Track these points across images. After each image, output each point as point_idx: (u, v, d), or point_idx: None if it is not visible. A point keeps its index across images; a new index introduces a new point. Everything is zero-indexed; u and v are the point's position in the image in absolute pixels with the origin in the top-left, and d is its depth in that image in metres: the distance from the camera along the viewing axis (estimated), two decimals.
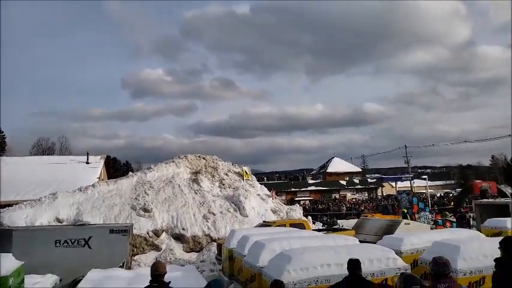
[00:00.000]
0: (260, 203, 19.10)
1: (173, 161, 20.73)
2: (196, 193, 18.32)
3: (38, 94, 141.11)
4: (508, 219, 12.72)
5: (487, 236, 9.76)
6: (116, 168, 56.53)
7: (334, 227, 19.01)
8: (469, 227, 17.74)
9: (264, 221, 15.17)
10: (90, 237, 11.26)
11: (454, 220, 21.42)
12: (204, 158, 21.76)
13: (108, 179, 25.55)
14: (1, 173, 22.14)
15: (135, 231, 14.60)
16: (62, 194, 16.53)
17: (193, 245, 15.79)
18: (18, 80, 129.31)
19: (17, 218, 14.42)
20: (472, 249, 6.50)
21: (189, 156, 21.47)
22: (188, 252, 15.62)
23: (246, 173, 21.73)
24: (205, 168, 20.91)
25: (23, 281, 6.93)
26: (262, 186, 22.70)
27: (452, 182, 68.55)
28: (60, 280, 9.23)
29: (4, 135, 49.26)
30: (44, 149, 51.79)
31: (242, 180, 21.08)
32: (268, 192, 21.37)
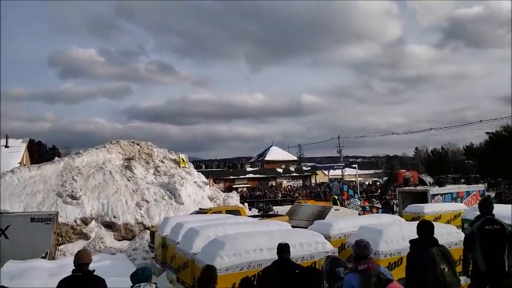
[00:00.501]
0: (197, 190, 18.95)
1: (104, 147, 19.72)
2: (129, 180, 17.69)
3: None
4: (426, 205, 13.97)
5: (407, 220, 10.58)
6: (41, 153, 52.31)
7: (270, 213, 19.48)
8: (393, 212, 19.10)
9: (200, 209, 15.09)
10: (7, 227, 10.43)
11: (380, 206, 22.92)
12: (138, 144, 20.96)
13: (31, 164, 23.65)
14: None
15: (61, 220, 13.85)
16: None
17: (125, 233, 15.31)
18: None
19: None
20: (393, 233, 6.97)
21: (122, 142, 20.54)
22: (120, 240, 15.10)
23: (183, 160, 21.38)
24: (139, 154, 20.19)
25: None
26: (200, 173, 22.52)
27: (380, 171, 73.36)
28: None
29: None
30: None
31: (178, 168, 20.71)
32: (205, 180, 21.28)
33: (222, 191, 25.39)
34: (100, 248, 13.94)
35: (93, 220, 15.15)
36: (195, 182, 19.78)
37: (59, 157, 22.29)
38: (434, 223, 8.69)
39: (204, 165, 53.33)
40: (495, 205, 6.04)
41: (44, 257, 9.94)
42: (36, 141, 49.30)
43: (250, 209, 22.44)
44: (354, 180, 41.64)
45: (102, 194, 16.23)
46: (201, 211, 13.88)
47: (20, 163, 23.75)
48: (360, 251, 3.76)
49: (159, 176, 19.16)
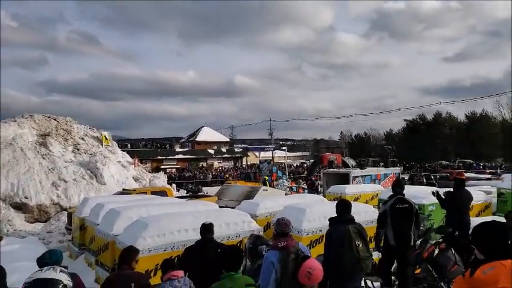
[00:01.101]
0: (120, 170, 18.14)
1: (15, 121, 17.80)
2: (44, 158, 16.29)
3: None
4: (347, 186, 14.86)
5: (330, 200, 11.15)
6: None
7: (198, 194, 19.34)
8: (317, 192, 20.06)
9: (123, 189, 14.46)
10: None
11: (306, 187, 23.93)
12: (55, 119, 19.30)
13: None
14: None
15: None
16: None
17: (39, 214, 14.24)
18: None
19: None
20: (315, 212, 7.28)
21: (36, 116, 18.76)
22: (32, 222, 14.03)
23: (106, 139, 20.30)
24: (57, 130, 18.64)
25: None
26: (125, 153, 21.64)
27: (308, 153, 76.30)
28: None
29: None
30: None
31: (101, 146, 19.65)
32: (130, 160, 20.49)
33: (149, 171, 24.59)
34: (8, 231, 12.84)
35: (1, 201, 13.81)
36: (119, 162, 18.92)
37: None
38: (354, 203, 9.34)
39: (129, 145, 51.09)
40: (408, 186, 6.58)
41: None
42: None
43: (178, 190, 22.09)
44: (283, 162, 42.98)
45: (12, 173, 14.76)
46: (125, 192, 13.32)
47: None
48: (280, 229, 3.82)
49: (79, 154, 18.03)
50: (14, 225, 13.32)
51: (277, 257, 3.64)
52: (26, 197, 14.22)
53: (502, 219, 6.12)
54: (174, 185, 22.58)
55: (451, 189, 7.49)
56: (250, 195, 14.14)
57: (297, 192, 21.58)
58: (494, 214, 10.16)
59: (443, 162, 46.43)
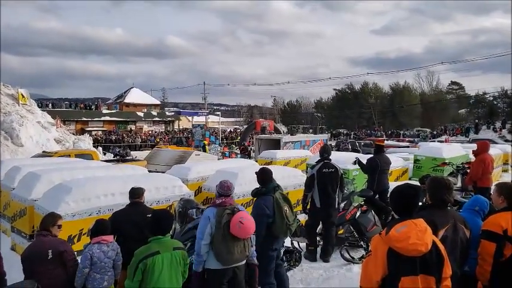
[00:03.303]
0: (40, 131, 16.84)
1: None
2: None
3: None
4: (278, 151, 15.28)
5: (261, 165, 11.40)
6: None
7: (126, 158, 18.63)
8: (249, 157, 20.42)
9: (43, 151, 13.45)
10: None
11: (239, 152, 24.22)
12: None
13: None
14: None
15: None
16: None
17: None
18: None
19: None
20: (247, 176, 7.37)
21: None
22: None
23: (23, 97, 18.56)
24: None
25: None
26: (45, 113, 20.08)
27: (241, 119, 76.92)
28: None
29: None
30: None
31: (17, 105, 17.96)
32: (51, 120, 19.06)
33: (72, 133, 23.12)
34: None
35: None
36: (39, 122, 17.52)
37: None
38: (283, 167, 9.59)
39: (51, 104, 47.03)
40: (334, 152, 6.92)
41: None
42: None
43: (104, 154, 21.12)
44: (216, 127, 42.86)
45: None
46: (45, 154, 12.39)
47: None
48: (222, 191, 3.89)
49: None
50: None
51: (213, 212, 3.75)
52: None
53: (417, 183, 6.79)
54: (100, 148, 21.52)
55: (372, 155, 8.07)
56: (181, 159, 13.92)
57: (230, 157, 21.75)
58: (410, 179, 11.09)
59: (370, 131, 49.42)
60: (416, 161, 12.08)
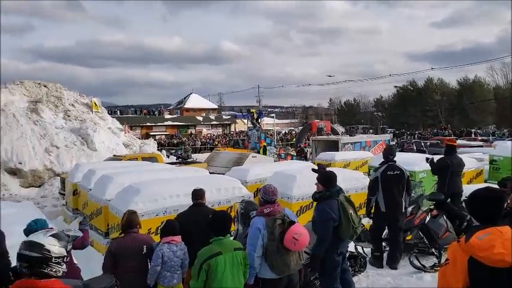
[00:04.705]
0: (111, 136, 18.02)
1: (6, 87, 17.67)
2: (36, 124, 16.21)
3: None
4: (336, 153, 14.94)
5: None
6: None
7: (188, 160, 19.34)
8: (306, 159, 20.18)
9: (114, 155, 14.38)
10: None
11: (294, 154, 24.04)
12: (45, 86, 19.14)
13: None
14: None
15: None
16: None
17: (33, 179, 14.36)
18: None
19: None
20: (305, 178, 7.30)
21: (27, 83, 18.64)
22: (27, 187, 14.19)
23: (96, 105, 19.99)
24: (47, 97, 18.50)
25: None
26: (114, 119, 21.42)
27: (296, 120, 76.23)
28: None
29: None
30: None
31: (91, 113, 19.41)
32: (120, 126, 20.30)
33: (138, 138, 24.44)
34: (4, 195, 12.97)
35: None
36: (109, 128, 18.77)
37: None
38: (343, 170, 9.32)
39: (119, 111, 50.33)
40: (398, 153, 6.58)
41: None
42: None
43: (168, 157, 22.07)
44: (271, 129, 43.04)
45: (5, 139, 14.81)
46: (115, 158, 13.24)
47: None
48: (267, 197, 3.76)
49: (70, 120, 17.86)
50: (10, 190, 13.50)
51: (263, 223, 3.62)
52: (20, 163, 14.30)
53: (495, 186, 6.21)
54: (163, 151, 22.53)
55: (443, 156, 7.53)
56: (239, 161, 14.15)
57: (285, 159, 21.68)
58: (486, 181, 10.15)
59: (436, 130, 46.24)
60: (492, 161, 10.99)
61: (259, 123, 22.32)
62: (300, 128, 39.18)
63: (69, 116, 18.03)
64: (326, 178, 4.42)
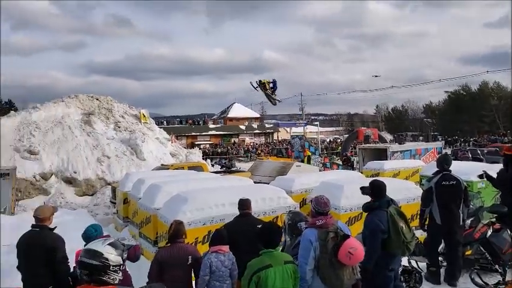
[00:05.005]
0: (158, 146, 18.64)
1: (62, 101, 19.00)
2: (89, 135, 17.16)
3: None
4: (385, 161, 14.40)
5: (367, 176, 10.83)
6: None
7: (232, 169, 19.54)
8: (353, 169, 19.65)
9: (161, 165, 14.83)
10: None
11: (340, 163, 23.52)
12: (97, 99, 20.24)
13: None
14: None
15: (19, 175, 13.37)
16: None
17: (86, 188, 15.10)
18: None
19: None
20: (353, 189, 7.03)
21: (81, 96, 19.79)
22: (81, 196, 14.91)
23: (144, 116, 20.84)
24: (99, 109, 19.51)
25: None
26: (161, 130, 22.16)
27: (341, 128, 74.78)
28: None
29: None
30: None
31: (140, 124, 20.23)
32: (167, 136, 20.94)
33: (184, 147, 25.12)
34: (61, 203, 13.68)
35: (53, 175, 14.83)
36: (157, 138, 19.42)
37: (16, 111, 21.13)
38: (393, 179, 8.92)
39: (165, 122, 52.09)
40: (453, 162, 6.17)
41: (3, 212, 9.63)
42: None
43: (212, 166, 22.42)
44: (315, 138, 42.56)
45: (62, 149, 15.79)
46: (163, 167, 13.64)
47: None
48: (319, 208, 3.66)
49: (120, 131, 18.63)
50: (66, 198, 14.27)
51: (315, 235, 3.53)
52: (74, 172, 15.16)
53: None
54: (208, 160, 22.94)
55: (502, 168, 6.93)
56: (283, 171, 14.03)
57: (331, 168, 21.27)
58: None
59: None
60: None
61: (275, 94, 18.29)
62: (346, 136, 38.40)
63: (119, 127, 18.85)
64: (374, 188, 4.31)
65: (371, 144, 21.95)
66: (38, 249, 3.85)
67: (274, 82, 17.79)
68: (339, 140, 47.38)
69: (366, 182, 7.51)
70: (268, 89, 17.70)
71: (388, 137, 27.61)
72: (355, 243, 3.46)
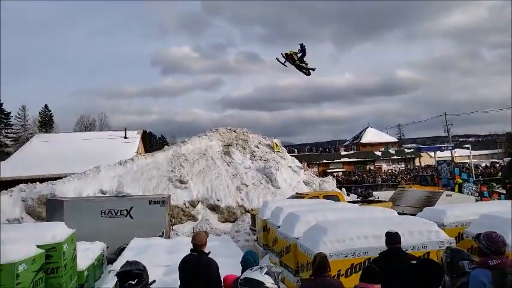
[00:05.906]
0: (292, 174, 19.03)
1: (205, 134, 21.14)
2: (228, 165, 18.57)
3: (72, 75, 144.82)
4: None
5: None
6: (151, 142, 58.08)
7: (370, 198, 18.61)
8: None
9: (296, 193, 15.06)
10: (131, 208, 11.63)
11: (503, 192, 20.23)
12: (234, 131, 22.00)
13: (145, 152, 26.17)
14: (51, 149, 23.57)
15: (172, 202, 14.93)
16: (104, 167, 17.22)
17: (228, 215, 16.17)
18: (53, 62, 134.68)
19: (66, 190, 15.27)
20: None
21: (220, 130, 21.80)
22: (223, 222, 16.06)
23: (277, 145, 21.67)
24: (236, 140, 21.09)
25: (75, 247, 7.24)
26: (293, 158, 22.66)
27: (499, 150, 64.93)
28: (107, 247, 9.56)
29: (52, 113, 54.56)
30: (85, 125, 54.19)
31: (273, 153, 21.10)
32: (299, 164, 21.25)
33: (316, 175, 25.09)
34: (206, 229, 14.81)
35: (199, 203, 16.34)
36: (290, 167, 19.88)
37: (168, 145, 24.36)
38: None
39: (296, 150, 53.23)
40: None
41: (161, 236, 10.84)
42: (147, 132, 54.54)
43: (348, 195, 21.78)
44: (466, 162, 37.74)
45: (206, 179, 17.39)
46: (298, 196, 13.82)
47: (136, 152, 26.34)
48: (494, 247, 3.15)
49: (255, 160, 19.72)
50: (211, 224, 15.57)
51: (489, 277, 3.06)
52: (217, 200, 16.52)
53: None
54: (343, 189, 22.38)
55: None
56: (430, 200, 12.88)
57: (490, 198, 18.43)
58: None
59: None
60: None
61: (305, 63, 15.54)
62: (507, 159, 33.01)
63: (254, 157, 20.00)
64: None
65: None
66: (199, 273, 4.29)
67: (302, 47, 15.45)
68: (498, 165, 40.99)
69: None
70: (297, 59, 15.38)
71: None
72: None
